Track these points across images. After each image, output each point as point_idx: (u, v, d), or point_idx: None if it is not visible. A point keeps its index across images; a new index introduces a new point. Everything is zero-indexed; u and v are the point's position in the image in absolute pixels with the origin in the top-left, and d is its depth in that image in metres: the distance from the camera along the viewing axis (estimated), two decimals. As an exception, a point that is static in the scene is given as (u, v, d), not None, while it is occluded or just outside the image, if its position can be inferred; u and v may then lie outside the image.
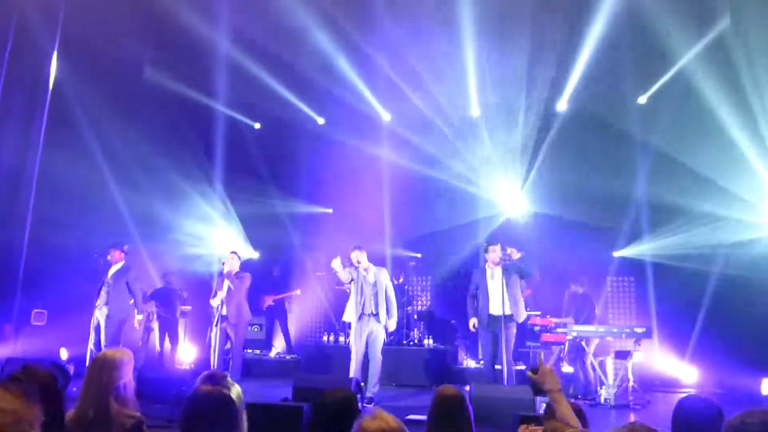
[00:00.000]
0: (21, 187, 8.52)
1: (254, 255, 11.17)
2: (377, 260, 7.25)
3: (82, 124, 9.00)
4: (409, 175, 10.44)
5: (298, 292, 10.75)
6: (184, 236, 10.54)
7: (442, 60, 9.26)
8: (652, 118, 9.24)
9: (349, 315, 6.91)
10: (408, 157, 10.47)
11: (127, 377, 2.85)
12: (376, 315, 6.73)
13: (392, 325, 6.93)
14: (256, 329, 10.40)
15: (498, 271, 6.77)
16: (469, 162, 10.24)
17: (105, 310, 7.45)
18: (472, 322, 6.82)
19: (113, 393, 2.76)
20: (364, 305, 6.78)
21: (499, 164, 10.07)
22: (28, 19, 8.15)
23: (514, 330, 6.68)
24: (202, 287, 9.46)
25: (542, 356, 7.29)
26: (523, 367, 8.30)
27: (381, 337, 6.77)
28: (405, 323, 9.56)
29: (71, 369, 6.92)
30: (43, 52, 8.46)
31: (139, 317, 7.89)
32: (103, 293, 7.52)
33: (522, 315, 6.94)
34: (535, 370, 2.49)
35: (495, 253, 6.75)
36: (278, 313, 10.50)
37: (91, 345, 7.36)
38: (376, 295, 6.80)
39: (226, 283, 7.34)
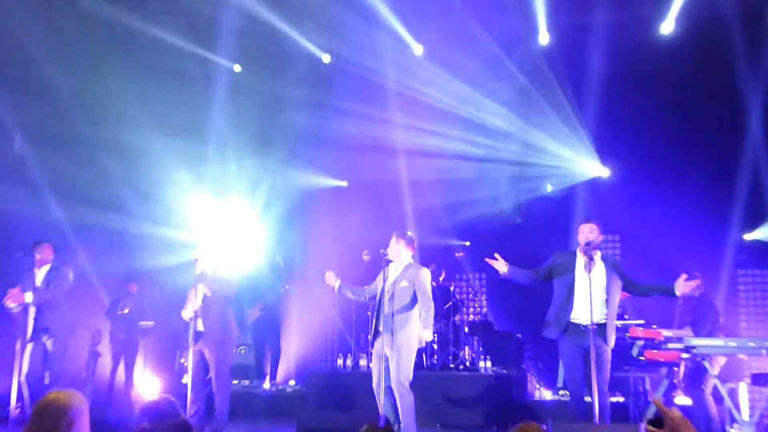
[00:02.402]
0: None
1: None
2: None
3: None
4: (449, 131, 10.39)
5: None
6: (154, 224, 10.77)
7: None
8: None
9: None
10: (447, 105, 10.38)
11: (84, 429, 3.05)
12: (391, 333, 6.64)
13: (428, 335, 6.81)
14: (243, 351, 10.33)
15: (599, 263, 6.54)
16: (532, 111, 10.30)
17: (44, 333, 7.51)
18: (502, 264, 6.71)
19: None
20: (378, 319, 6.78)
21: (569, 112, 10.12)
22: None
23: (608, 348, 6.50)
24: (176, 296, 9.45)
25: (659, 398, 6.98)
26: (620, 399, 8.47)
27: (402, 361, 6.62)
28: (451, 339, 9.46)
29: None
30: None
31: (28, 298, 7.51)
32: (31, 308, 7.51)
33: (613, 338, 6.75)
34: (657, 422, 2.42)
35: (583, 234, 6.57)
36: (269, 329, 10.39)
37: (21, 377, 7.34)
38: (390, 305, 6.74)
39: (201, 288, 7.22)
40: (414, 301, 6.78)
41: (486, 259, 6.82)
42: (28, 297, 7.45)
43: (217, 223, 11.15)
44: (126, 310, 10.17)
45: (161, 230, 10.86)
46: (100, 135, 10.07)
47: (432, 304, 6.80)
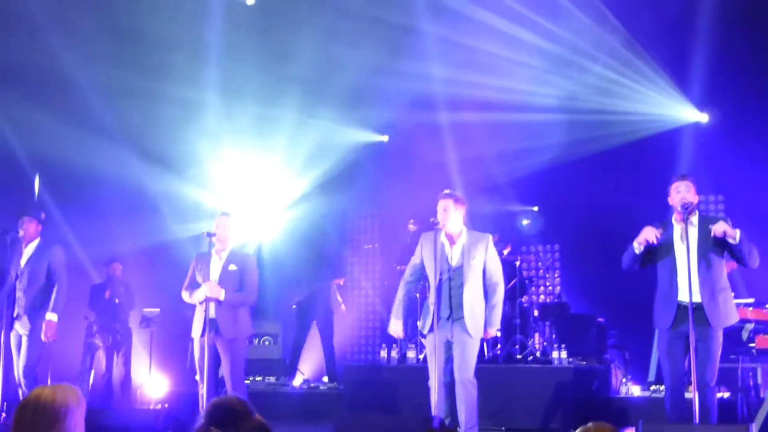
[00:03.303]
0: None
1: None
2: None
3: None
4: (506, 74, 10.38)
5: (341, 281, 10.88)
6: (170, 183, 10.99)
7: None
8: None
9: (424, 319, 6.87)
10: (507, 44, 10.32)
11: (79, 429, 3.01)
12: (460, 319, 6.64)
13: (491, 332, 6.95)
14: (267, 342, 10.47)
15: (694, 229, 6.32)
16: (609, 45, 10.27)
17: (25, 319, 7.59)
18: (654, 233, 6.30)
19: None
20: (441, 303, 6.69)
21: (651, 40, 10.13)
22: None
23: (719, 335, 6.25)
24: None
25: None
26: (725, 394, 8.15)
27: (471, 351, 6.69)
28: (518, 325, 9.43)
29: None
30: None
31: (51, 317, 7.74)
32: (19, 292, 7.62)
33: (732, 313, 6.52)
34: None
35: (678, 194, 6.34)
36: (319, 315, 10.25)
37: (17, 373, 7.56)
38: (461, 286, 6.70)
39: (216, 265, 7.24)
40: (482, 279, 6.82)
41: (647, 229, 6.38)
42: (51, 317, 7.66)
43: (248, 187, 11.50)
44: (116, 300, 10.20)
45: (179, 190, 11.10)
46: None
47: (503, 290, 6.91)
